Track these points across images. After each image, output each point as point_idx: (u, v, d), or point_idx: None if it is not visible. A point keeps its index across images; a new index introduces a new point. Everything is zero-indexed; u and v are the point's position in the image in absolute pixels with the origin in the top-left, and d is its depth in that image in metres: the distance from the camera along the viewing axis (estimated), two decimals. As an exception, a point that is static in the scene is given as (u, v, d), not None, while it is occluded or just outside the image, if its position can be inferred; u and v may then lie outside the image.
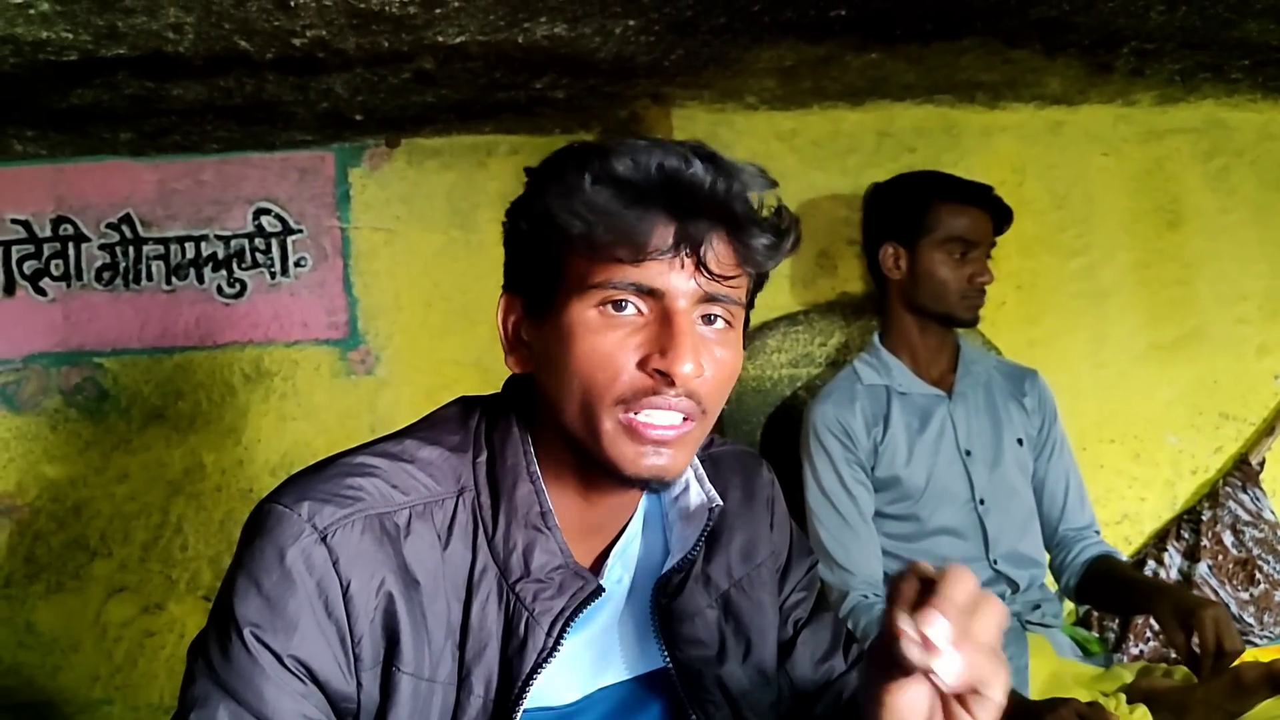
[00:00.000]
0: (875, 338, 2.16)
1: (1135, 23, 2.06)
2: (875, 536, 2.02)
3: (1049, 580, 2.19)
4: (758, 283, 1.00)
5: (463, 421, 1.03)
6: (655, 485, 0.95)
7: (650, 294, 0.90)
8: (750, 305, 1.01)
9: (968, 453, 2.06)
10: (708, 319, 0.93)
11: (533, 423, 1.00)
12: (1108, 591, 2.03)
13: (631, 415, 0.91)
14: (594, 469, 0.95)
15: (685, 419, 0.92)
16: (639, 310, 0.91)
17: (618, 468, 0.92)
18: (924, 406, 2.07)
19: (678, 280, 0.90)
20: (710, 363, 0.92)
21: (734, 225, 0.91)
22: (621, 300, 0.90)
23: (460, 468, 0.98)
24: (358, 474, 0.94)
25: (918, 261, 2.06)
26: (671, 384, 0.89)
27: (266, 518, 0.91)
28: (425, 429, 1.03)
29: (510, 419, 1.01)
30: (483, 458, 0.99)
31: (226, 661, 0.87)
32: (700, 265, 0.89)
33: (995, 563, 2.01)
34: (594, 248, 0.89)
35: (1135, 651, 2.40)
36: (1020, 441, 2.12)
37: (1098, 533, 2.14)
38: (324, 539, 0.89)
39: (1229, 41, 2.21)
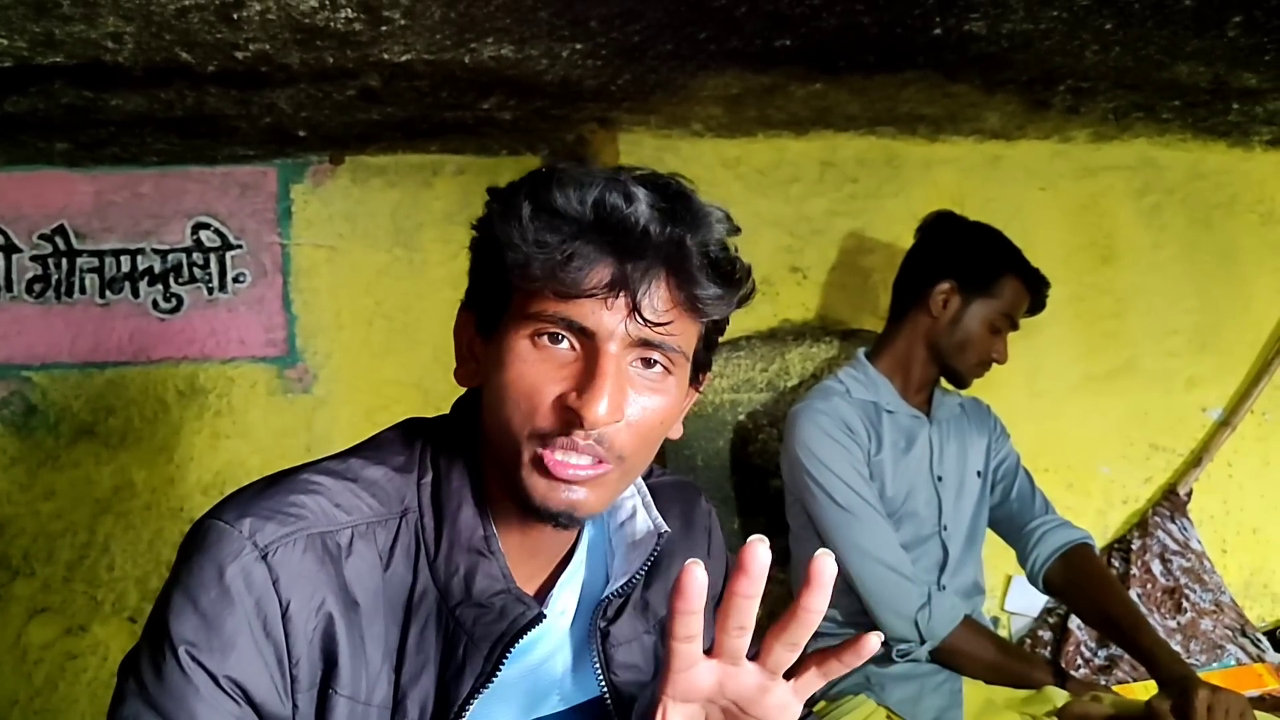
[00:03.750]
0: (861, 354, 2.15)
1: (1071, 61, 2.11)
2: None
3: (986, 608, 2.22)
4: (715, 328, 0.98)
5: (409, 442, 1.02)
6: (565, 521, 0.92)
7: (582, 331, 0.88)
8: (710, 348, 0.99)
9: (939, 478, 2.08)
10: (647, 362, 0.91)
11: (478, 445, 0.99)
12: (1082, 600, 2.08)
13: (543, 450, 0.89)
14: (517, 500, 0.94)
15: (598, 462, 0.90)
16: (571, 345, 0.89)
17: (529, 500, 0.91)
18: (909, 427, 2.08)
19: (610, 321, 0.87)
20: (635, 409, 0.91)
21: (679, 271, 0.88)
22: (555, 334, 0.89)
23: (404, 489, 0.97)
24: (301, 491, 0.92)
25: (964, 314, 2.06)
26: (582, 425, 0.87)
27: (206, 534, 0.89)
28: (371, 449, 1.01)
29: (456, 441, 1.00)
30: (427, 479, 0.98)
31: (159, 681, 0.85)
32: (635, 309, 0.87)
33: (944, 588, 2.03)
34: (529, 279, 0.87)
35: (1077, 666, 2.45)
36: (979, 474, 2.15)
37: (1054, 513, 2.17)
38: (264, 557, 0.87)
39: (1160, 82, 2.27)
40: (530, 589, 1.01)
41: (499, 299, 0.93)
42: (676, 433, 1.02)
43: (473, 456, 0.98)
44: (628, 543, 1.06)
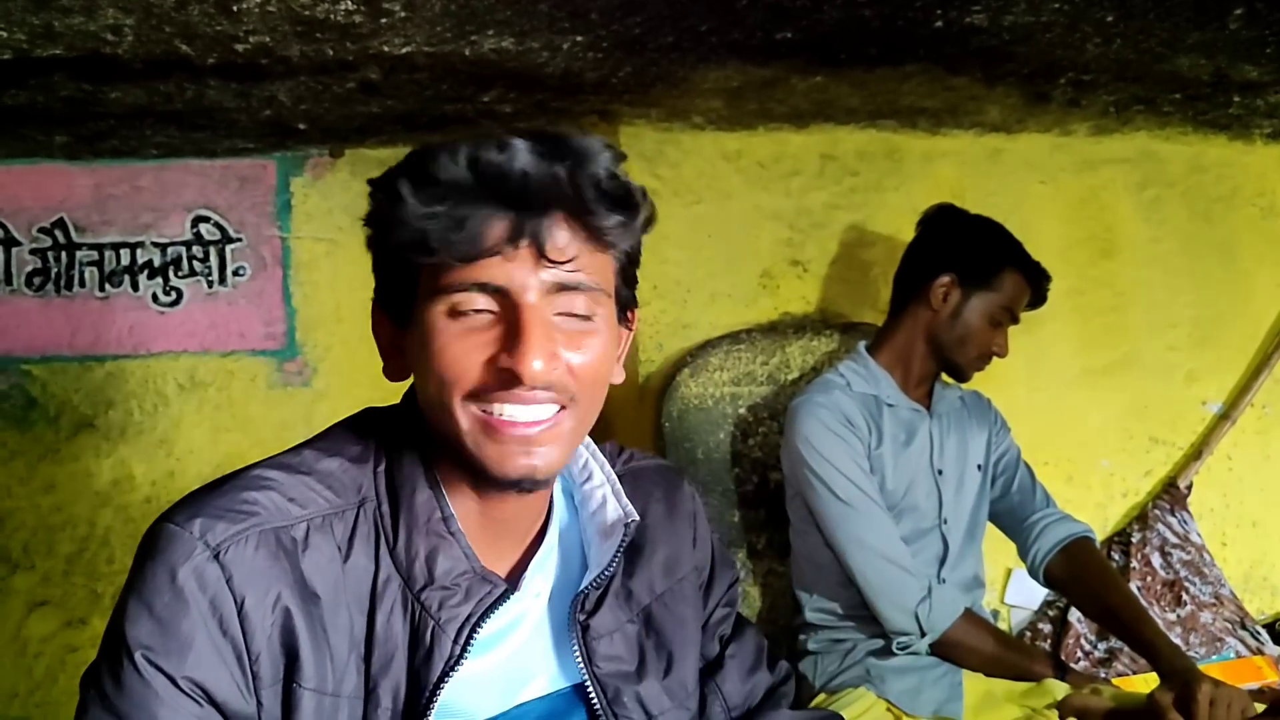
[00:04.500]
0: (862, 347, 2.15)
1: (1072, 54, 2.11)
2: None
3: (986, 601, 2.22)
4: (630, 261, 0.98)
5: (364, 432, 1.02)
6: (527, 485, 0.93)
7: (498, 291, 0.88)
8: (629, 284, 0.99)
9: (940, 472, 2.08)
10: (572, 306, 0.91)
11: (427, 429, 0.99)
12: (1083, 593, 2.09)
13: (486, 412, 0.90)
14: (473, 472, 0.94)
15: (554, 405, 0.91)
16: (490, 309, 0.89)
17: (485, 469, 0.91)
18: (909, 421, 2.08)
19: (521, 274, 0.88)
20: (574, 352, 0.91)
21: (574, 207, 0.88)
22: (471, 301, 0.89)
23: (360, 478, 0.97)
24: (253, 488, 0.92)
25: (965, 307, 2.05)
26: (521, 381, 0.87)
27: (158, 537, 0.89)
28: (326, 440, 1.01)
29: (409, 427, 0.99)
30: (382, 467, 0.98)
31: (119, 688, 0.85)
32: (541, 255, 0.87)
33: (944, 581, 2.03)
34: (430, 253, 0.87)
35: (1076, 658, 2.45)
36: (979, 467, 2.15)
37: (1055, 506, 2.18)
38: (216, 556, 0.87)
39: (1161, 75, 2.27)
40: (500, 570, 1.01)
41: (407, 286, 0.93)
42: (619, 377, 1.02)
43: (425, 440, 0.98)
44: (600, 532, 1.06)
